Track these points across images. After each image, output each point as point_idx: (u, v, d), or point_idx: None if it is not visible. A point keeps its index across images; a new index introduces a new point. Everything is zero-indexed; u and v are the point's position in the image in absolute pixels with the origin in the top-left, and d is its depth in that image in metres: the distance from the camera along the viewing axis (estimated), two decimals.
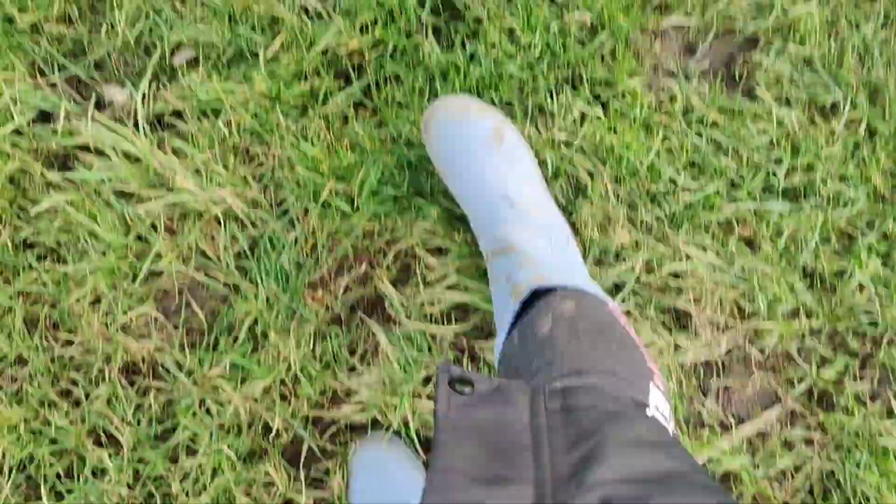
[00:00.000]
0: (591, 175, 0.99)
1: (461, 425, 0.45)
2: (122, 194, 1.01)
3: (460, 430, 0.45)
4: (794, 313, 1.01)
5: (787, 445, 1.00)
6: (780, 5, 1.00)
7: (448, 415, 0.45)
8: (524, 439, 0.46)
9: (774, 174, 0.99)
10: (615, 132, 0.98)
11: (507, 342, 0.73)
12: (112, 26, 1.02)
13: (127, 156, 1.00)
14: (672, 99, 1.00)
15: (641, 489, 0.42)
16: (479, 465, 0.43)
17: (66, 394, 1.02)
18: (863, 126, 1.00)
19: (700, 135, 1.00)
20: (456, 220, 0.99)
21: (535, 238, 0.84)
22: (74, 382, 1.02)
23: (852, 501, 0.98)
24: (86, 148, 1.02)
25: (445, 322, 1.00)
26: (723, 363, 1.01)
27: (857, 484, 0.98)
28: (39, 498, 1.00)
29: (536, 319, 0.70)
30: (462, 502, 0.39)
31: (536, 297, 0.74)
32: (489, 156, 0.90)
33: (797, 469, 1.00)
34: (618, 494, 0.41)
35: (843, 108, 1.00)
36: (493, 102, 0.98)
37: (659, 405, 0.64)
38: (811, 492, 1.00)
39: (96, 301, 1.01)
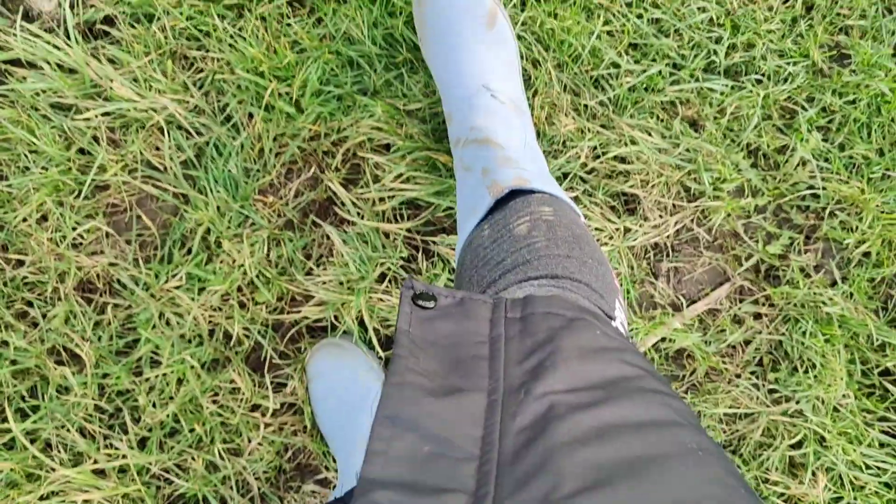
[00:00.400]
0: (534, 63, 0.99)
1: (421, 339, 0.46)
2: (59, 107, 0.99)
3: (420, 344, 0.46)
4: (740, 191, 1.03)
5: (737, 321, 1.04)
6: None
7: (409, 330, 0.46)
8: (482, 351, 0.47)
9: (715, 53, 1.00)
10: (556, 17, 0.97)
11: (475, 232, 0.74)
12: None
13: (61, 67, 0.98)
14: None
15: (587, 396, 0.43)
16: (436, 377, 0.44)
17: (22, 315, 1.02)
18: (799, 1, 1.00)
19: (641, 16, 0.99)
20: (401, 114, 0.98)
21: (512, 137, 0.84)
22: (30, 303, 1.02)
23: (799, 369, 1.02)
24: (17, 62, 0.99)
25: (398, 219, 1.01)
26: (672, 245, 1.03)
27: (804, 352, 1.01)
28: (5, 419, 1.00)
29: (513, 218, 0.71)
30: (414, 414, 0.41)
31: (512, 195, 0.75)
32: (479, 39, 0.88)
33: (747, 343, 1.03)
34: (563, 402, 0.43)
35: None
36: None
37: (622, 320, 0.66)
38: (760, 363, 1.04)
39: (43, 219, 1.00)
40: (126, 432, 1.01)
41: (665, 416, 0.43)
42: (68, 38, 0.98)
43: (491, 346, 0.48)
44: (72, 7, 0.98)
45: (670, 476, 0.39)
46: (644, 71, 0.99)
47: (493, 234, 0.71)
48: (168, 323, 1.01)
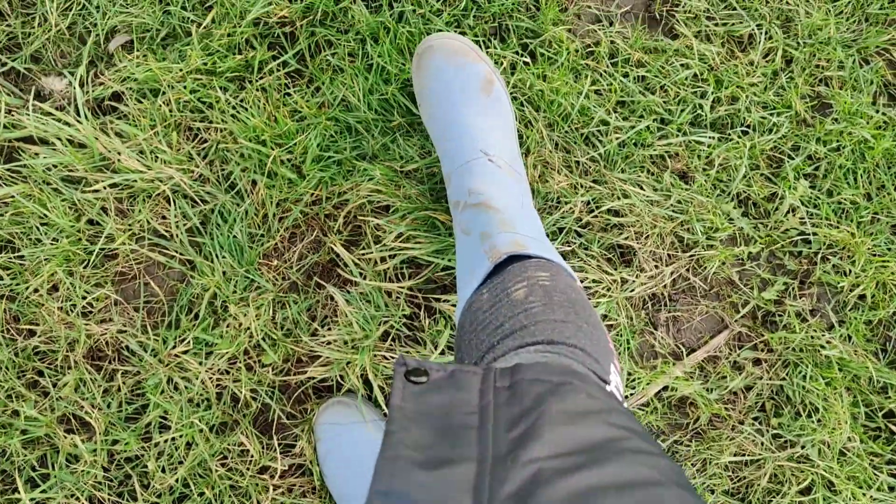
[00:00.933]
0: (526, 123, 1.02)
1: (413, 412, 0.49)
2: (69, 180, 1.02)
3: (412, 417, 0.48)
4: (732, 240, 1.05)
5: (737, 367, 1.05)
6: None
7: (401, 405, 0.49)
8: (472, 421, 0.49)
9: (701, 107, 1.03)
10: (545, 79, 1.01)
11: (474, 296, 0.77)
12: (45, 18, 1.04)
13: (71, 142, 1.02)
14: (597, 43, 1.04)
15: (571, 461, 0.45)
16: (426, 449, 0.46)
17: (33, 385, 1.04)
18: (779, 54, 1.04)
19: (627, 75, 1.03)
20: (399, 176, 1.01)
21: (509, 200, 0.87)
22: (40, 373, 1.03)
23: (802, 413, 1.02)
24: (29, 139, 1.03)
25: (399, 278, 1.03)
26: (669, 294, 1.05)
27: (805, 396, 1.02)
28: (15, 490, 1.01)
29: (511, 283, 0.73)
30: (406, 487, 0.43)
31: (510, 259, 0.77)
32: (476, 105, 0.92)
33: (748, 388, 1.04)
34: (549, 467, 0.44)
35: (759, 39, 1.04)
36: None
37: (617, 384, 0.68)
38: (763, 409, 1.04)
39: (54, 289, 1.03)
40: (135, 499, 1.01)
41: (647, 476, 0.45)
42: (78, 114, 1.02)
43: (480, 416, 0.50)
44: (82, 86, 1.02)
45: None
46: (633, 127, 1.02)
47: (491, 299, 0.73)
48: (176, 388, 1.03)
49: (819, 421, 1.01)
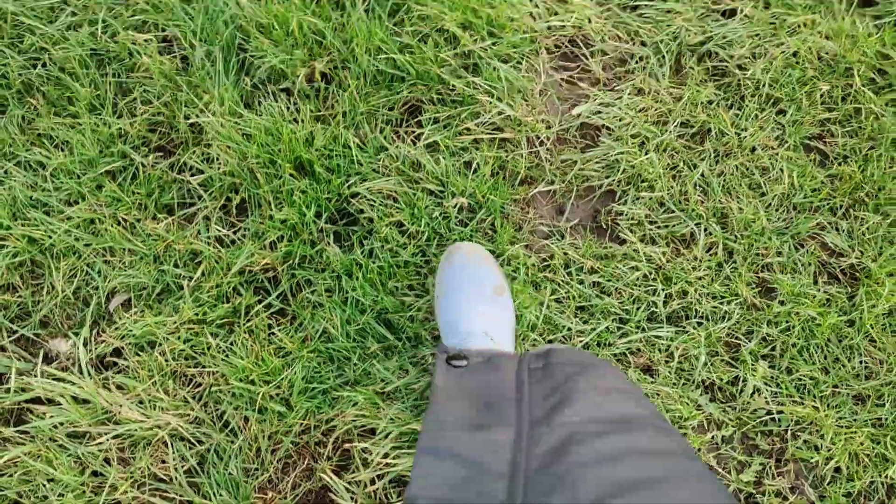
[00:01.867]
0: None
1: (454, 390, 0.56)
2: (74, 436, 1.09)
3: (453, 393, 0.56)
4: (703, 426, 1.10)
5: None
6: (624, 160, 1.16)
7: (443, 384, 0.56)
8: (509, 394, 0.56)
9: (655, 304, 1.11)
10: None
11: None
12: (52, 286, 1.14)
13: (75, 399, 1.09)
14: (552, 256, 1.13)
15: (603, 427, 0.51)
16: (468, 417, 0.53)
17: None
18: (720, 248, 1.13)
19: (582, 282, 1.12)
20: (380, 398, 1.08)
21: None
22: None
23: None
24: (37, 399, 1.11)
25: (388, 497, 1.07)
26: None
27: None
28: None
29: None
30: (450, 445, 0.49)
31: None
32: (490, 302, 1.01)
33: None
34: (582, 430, 0.51)
35: (700, 236, 1.14)
36: (394, 290, 1.11)
37: None
38: None
39: None
40: None
41: (672, 448, 0.51)
42: (81, 373, 1.10)
43: (517, 391, 0.56)
44: (85, 345, 1.12)
45: (678, 493, 0.45)
46: (594, 329, 1.10)
47: None
48: None
49: None
